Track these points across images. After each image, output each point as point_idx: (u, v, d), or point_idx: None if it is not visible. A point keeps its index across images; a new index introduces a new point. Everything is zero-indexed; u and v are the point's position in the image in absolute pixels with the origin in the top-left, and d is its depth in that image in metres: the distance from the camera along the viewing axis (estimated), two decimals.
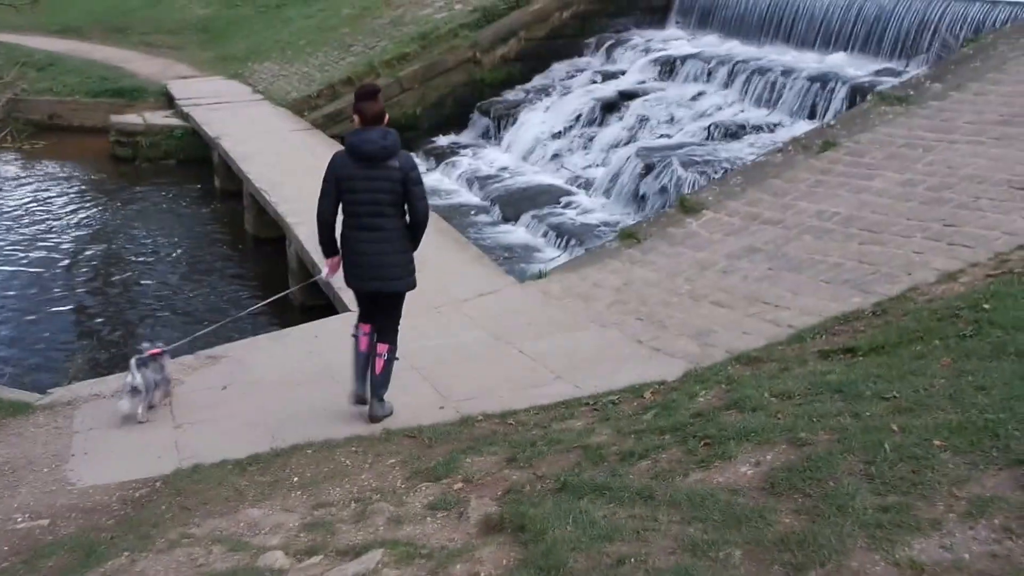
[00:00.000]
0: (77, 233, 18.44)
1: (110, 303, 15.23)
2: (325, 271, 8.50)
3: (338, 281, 8.71)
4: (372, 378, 8.36)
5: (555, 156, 20.45)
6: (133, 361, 8.82)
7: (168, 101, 25.28)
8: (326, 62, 25.40)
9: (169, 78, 27.48)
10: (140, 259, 17.02)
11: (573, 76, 23.16)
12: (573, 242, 16.19)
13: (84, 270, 16.55)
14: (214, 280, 16.01)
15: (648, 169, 17.22)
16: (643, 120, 19.53)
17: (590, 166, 19.44)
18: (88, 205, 20.36)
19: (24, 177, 23.10)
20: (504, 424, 8.10)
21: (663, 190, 16.55)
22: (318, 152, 19.15)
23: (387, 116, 7.92)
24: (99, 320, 14.53)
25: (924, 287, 8.93)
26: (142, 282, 15.92)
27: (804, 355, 8.02)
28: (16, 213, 19.98)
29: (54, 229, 18.70)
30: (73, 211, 19.87)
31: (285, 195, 16.02)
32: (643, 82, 21.34)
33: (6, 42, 31.01)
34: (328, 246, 8.20)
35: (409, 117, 23.23)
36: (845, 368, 7.13)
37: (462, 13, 25.10)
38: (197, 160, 22.12)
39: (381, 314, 8.34)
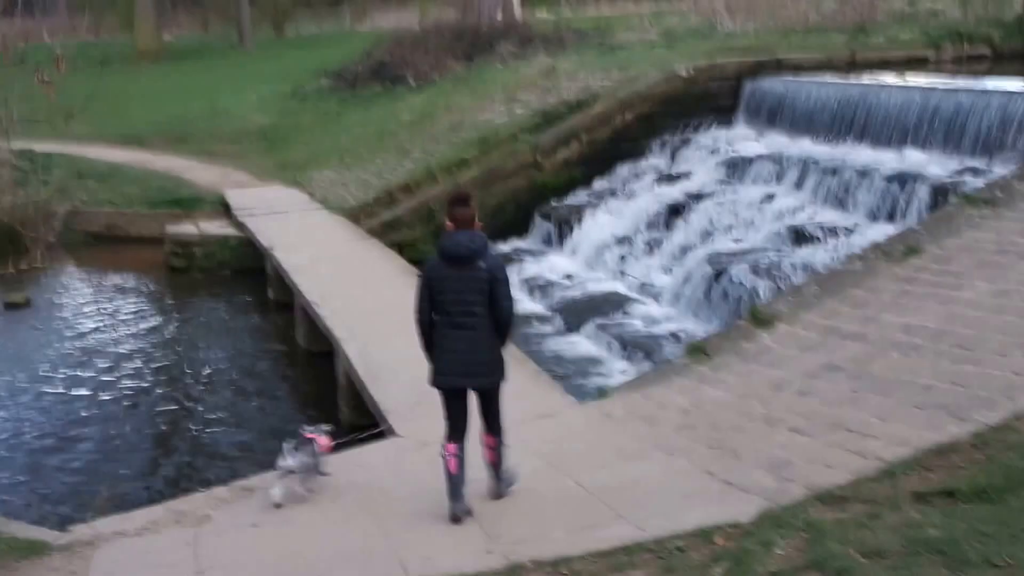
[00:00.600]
0: (121, 348, 17.77)
1: (148, 426, 14.42)
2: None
3: None
4: (488, 469, 8.69)
5: (620, 262, 19.65)
6: (285, 445, 9.02)
7: (225, 210, 24.77)
8: (384, 168, 24.90)
9: (227, 186, 26.97)
10: (186, 377, 16.24)
11: (637, 179, 22.41)
12: (639, 354, 15.35)
13: (124, 389, 15.80)
14: (264, 399, 15.13)
15: (718, 276, 16.38)
16: (711, 224, 18.69)
17: (657, 272, 18.58)
18: (137, 318, 19.75)
19: (78, 288, 22.69)
20: (556, 575, 7.23)
21: (734, 299, 15.67)
22: (372, 263, 18.61)
23: (477, 220, 8.29)
24: (134, 446, 13.71)
25: None
26: (187, 403, 15.10)
27: (896, 496, 7.10)
28: (63, 326, 19.46)
29: (99, 344, 18.09)
30: (121, 324, 19.26)
31: (336, 308, 15.34)
32: (710, 184, 20.53)
33: (69, 154, 30.92)
34: (431, 350, 8.45)
35: None
36: (945, 519, 6.20)
37: (523, 117, 24.57)
38: (252, 270, 21.40)
39: (481, 411, 8.54)
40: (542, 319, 18.14)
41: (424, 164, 23.92)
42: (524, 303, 19.08)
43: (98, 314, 20.15)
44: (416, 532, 8.32)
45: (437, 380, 8.41)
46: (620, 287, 18.75)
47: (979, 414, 8.38)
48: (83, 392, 15.63)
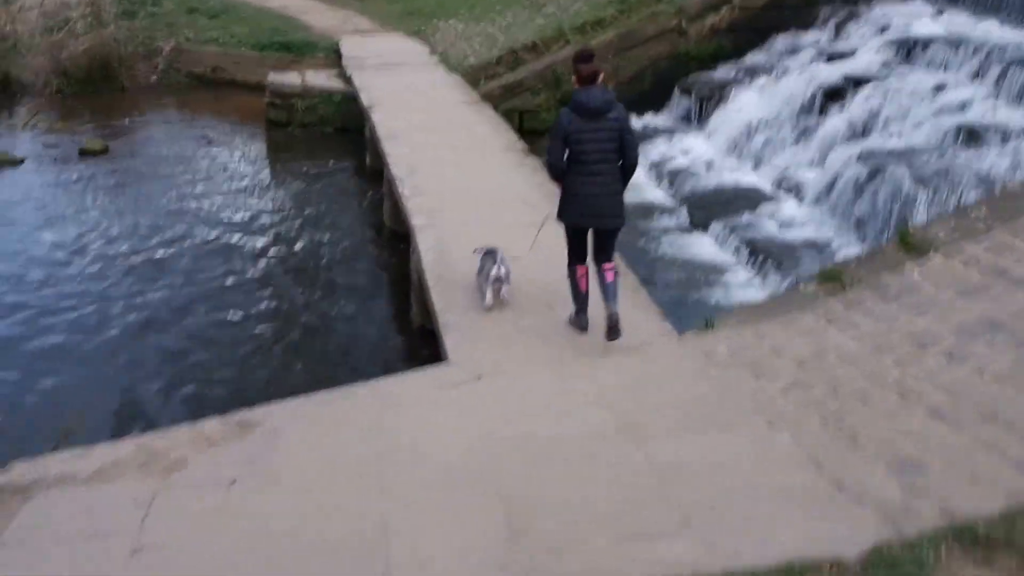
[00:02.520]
0: (187, 216, 16.10)
1: (183, 317, 12.56)
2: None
3: None
4: (607, 289, 9.07)
5: (763, 150, 17.25)
6: (499, 252, 9.98)
7: (337, 59, 22.97)
8: (513, 23, 22.65)
9: (345, 33, 25.24)
10: (250, 257, 14.49)
11: (793, 54, 19.77)
12: (769, 263, 13.23)
13: (163, 265, 14.16)
14: (332, 290, 13.35)
15: (871, 179, 13.95)
16: (871, 114, 16.07)
17: (802, 167, 16.15)
18: (217, 179, 18.16)
19: (165, 136, 21.28)
20: None
21: (885, 210, 13.30)
22: (478, 133, 16.51)
23: (602, 74, 8.92)
24: (160, 337, 11.98)
25: None
26: (242, 290, 13.30)
27: None
28: (132, 180, 18.06)
29: (164, 207, 16.52)
30: (195, 184, 17.77)
31: (420, 186, 13.41)
32: (875, 67, 17.77)
33: None
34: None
35: None
36: None
37: None
38: (355, 130, 19.49)
39: (599, 247, 9.19)
40: (666, 211, 16.03)
41: (556, 22, 21.64)
42: (648, 191, 17.03)
43: (175, 170, 18.65)
44: (424, 513, 6.46)
45: (571, 220, 9.09)
46: (759, 180, 16.45)
47: None
48: (114, 266, 14.13)
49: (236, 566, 5.98)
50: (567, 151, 8.78)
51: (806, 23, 20.90)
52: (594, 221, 9.01)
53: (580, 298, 9.36)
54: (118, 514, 6.54)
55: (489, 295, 9.84)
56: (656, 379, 8.41)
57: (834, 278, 9.92)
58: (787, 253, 13.44)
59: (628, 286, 10.31)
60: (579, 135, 8.65)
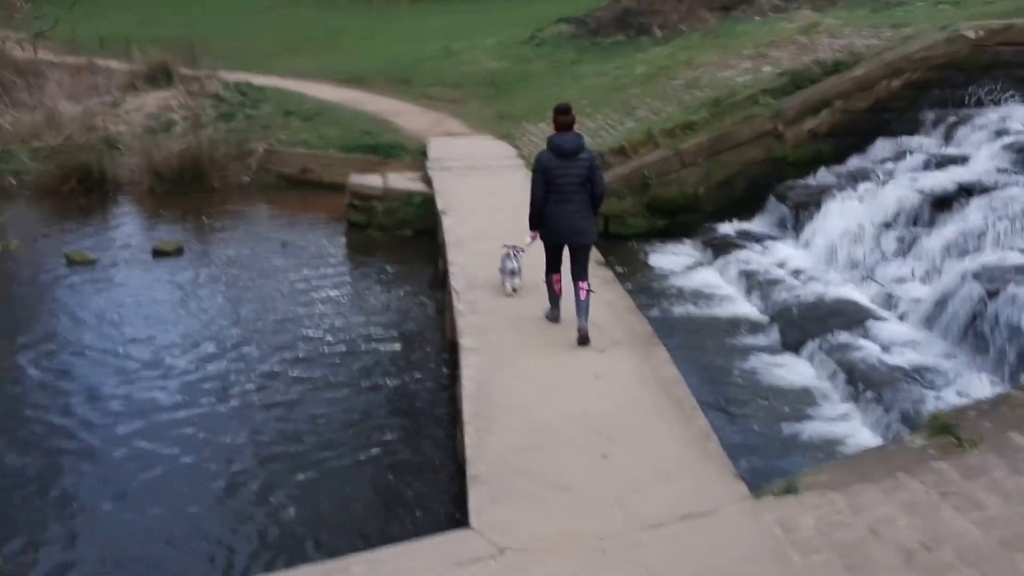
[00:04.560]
0: (244, 327, 15.06)
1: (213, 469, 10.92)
2: (528, 239, 11.70)
3: None
4: (580, 306, 11.15)
5: (864, 262, 15.66)
6: (510, 251, 12.82)
7: (423, 161, 22.47)
8: (602, 126, 21.61)
9: (435, 135, 25.05)
10: (300, 366, 13.38)
11: (898, 160, 18.17)
12: (868, 394, 11.61)
13: (215, 381, 13.07)
14: (376, 413, 11.96)
15: (989, 299, 12.28)
16: (988, 225, 14.37)
17: (908, 282, 14.52)
18: (287, 284, 17.11)
19: (242, 238, 20.69)
20: None
21: (1008, 338, 11.59)
22: None
23: (576, 122, 11.22)
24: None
25: None
26: (277, 411, 12.09)
27: None
28: (199, 284, 17.37)
29: (221, 317, 15.59)
30: (260, 292, 16.80)
31: (476, 301, 12.27)
32: (991, 174, 16.08)
33: (284, 89, 30.36)
34: (534, 222, 11.39)
35: (688, 197, 19.14)
36: None
37: (768, 77, 20.67)
38: (434, 233, 18.54)
39: (576, 262, 11.29)
40: (755, 327, 14.53)
41: (645, 125, 20.48)
42: (737, 304, 15.59)
43: (246, 274, 17.90)
44: None
45: (551, 239, 11.37)
46: (859, 295, 14.86)
47: None
48: (154, 380, 13.16)
49: None
50: (547, 185, 10.95)
51: (913, 127, 19.29)
52: (570, 239, 11.22)
53: (554, 298, 11.81)
54: None
55: (507, 285, 12.71)
56: (720, 568, 6.82)
57: (947, 431, 8.31)
58: (889, 381, 11.78)
59: (697, 433, 8.86)
60: (556, 171, 10.87)
